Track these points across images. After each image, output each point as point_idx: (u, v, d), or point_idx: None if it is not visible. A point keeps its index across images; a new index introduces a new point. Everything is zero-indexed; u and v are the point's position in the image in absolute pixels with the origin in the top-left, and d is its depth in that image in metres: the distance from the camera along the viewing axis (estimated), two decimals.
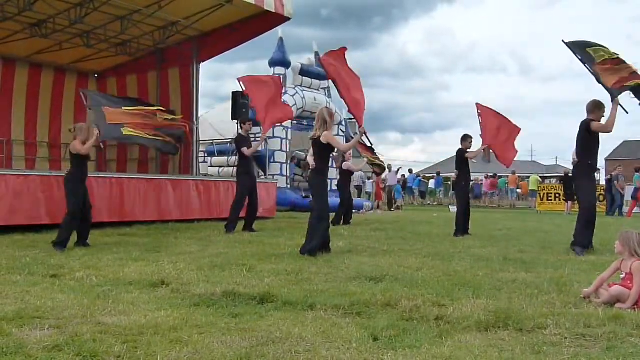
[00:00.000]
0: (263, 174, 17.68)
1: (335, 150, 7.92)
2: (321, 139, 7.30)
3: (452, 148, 10.99)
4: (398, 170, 28.60)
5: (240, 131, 11.12)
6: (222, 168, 19.48)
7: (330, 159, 8.88)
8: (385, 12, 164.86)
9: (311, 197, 7.73)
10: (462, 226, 10.32)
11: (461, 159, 10.48)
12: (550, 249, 8.07)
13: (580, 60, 7.61)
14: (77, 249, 7.63)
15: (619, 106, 7.37)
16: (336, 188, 15.05)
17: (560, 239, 9.53)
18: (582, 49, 7.63)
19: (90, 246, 7.88)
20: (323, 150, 7.46)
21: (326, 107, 7.51)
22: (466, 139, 10.53)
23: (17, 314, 3.82)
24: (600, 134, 7.69)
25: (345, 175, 13.66)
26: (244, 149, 10.51)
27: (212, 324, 3.66)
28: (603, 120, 7.55)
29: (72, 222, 7.75)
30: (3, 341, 3.21)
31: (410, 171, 34.19)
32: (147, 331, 3.43)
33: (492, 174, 31.88)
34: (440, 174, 34.57)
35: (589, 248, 7.55)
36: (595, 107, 7.59)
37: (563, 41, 7.62)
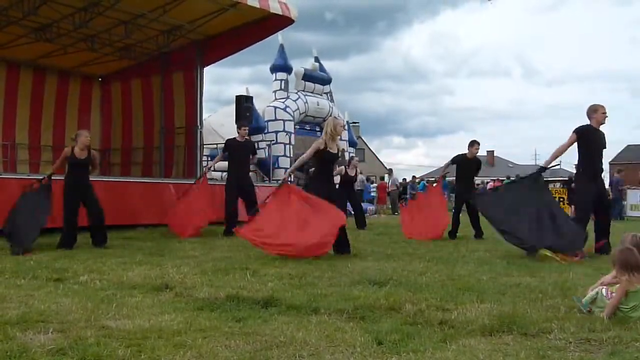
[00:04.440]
0: (267, 179, 17.66)
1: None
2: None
3: (455, 152, 11.04)
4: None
5: (236, 136, 11.15)
6: (225, 172, 19.47)
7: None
8: (389, 16, 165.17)
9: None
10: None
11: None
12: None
13: None
14: (82, 252, 7.65)
15: None
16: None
17: None
18: None
19: (104, 247, 8.22)
20: None
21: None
22: (473, 144, 10.66)
23: (21, 318, 3.82)
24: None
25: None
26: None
27: (216, 328, 3.66)
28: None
29: (64, 225, 8.14)
30: (7, 345, 3.21)
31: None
32: (151, 335, 3.43)
33: (494, 178, 31.82)
34: (446, 178, 34.32)
35: None
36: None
37: None
